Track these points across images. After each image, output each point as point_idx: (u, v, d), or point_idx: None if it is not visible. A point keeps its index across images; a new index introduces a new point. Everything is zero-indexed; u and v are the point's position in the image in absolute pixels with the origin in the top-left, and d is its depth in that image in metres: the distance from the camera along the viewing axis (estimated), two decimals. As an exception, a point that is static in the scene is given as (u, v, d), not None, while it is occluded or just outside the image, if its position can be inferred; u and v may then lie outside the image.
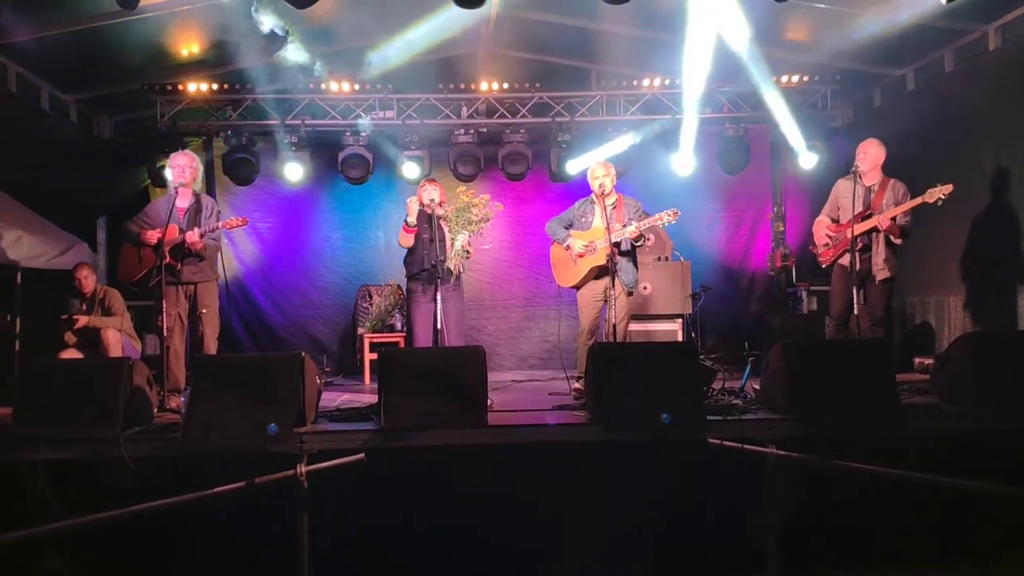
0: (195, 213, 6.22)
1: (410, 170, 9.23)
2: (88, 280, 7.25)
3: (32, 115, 7.93)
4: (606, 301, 6.37)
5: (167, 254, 5.90)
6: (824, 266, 6.71)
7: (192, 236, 5.99)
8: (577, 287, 6.55)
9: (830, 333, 6.82)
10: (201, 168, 6.41)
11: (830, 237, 6.62)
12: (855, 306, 6.24)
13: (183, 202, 6.23)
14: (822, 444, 4.79)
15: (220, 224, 6.09)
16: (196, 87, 8.81)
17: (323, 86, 9.00)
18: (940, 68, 8.36)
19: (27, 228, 7.62)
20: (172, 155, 6.40)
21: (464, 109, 9.42)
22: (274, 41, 7.68)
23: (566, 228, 6.59)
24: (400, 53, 8.17)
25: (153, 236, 5.97)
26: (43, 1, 6.65)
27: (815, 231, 6.78)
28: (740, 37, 7.50)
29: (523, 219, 10.00)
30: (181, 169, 6.19)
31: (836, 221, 6.67)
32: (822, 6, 7.34)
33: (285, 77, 8.65)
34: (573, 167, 9.19)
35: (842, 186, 6.65)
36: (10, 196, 7.95)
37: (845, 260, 6.38)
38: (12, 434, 4.82)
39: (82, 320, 6.95)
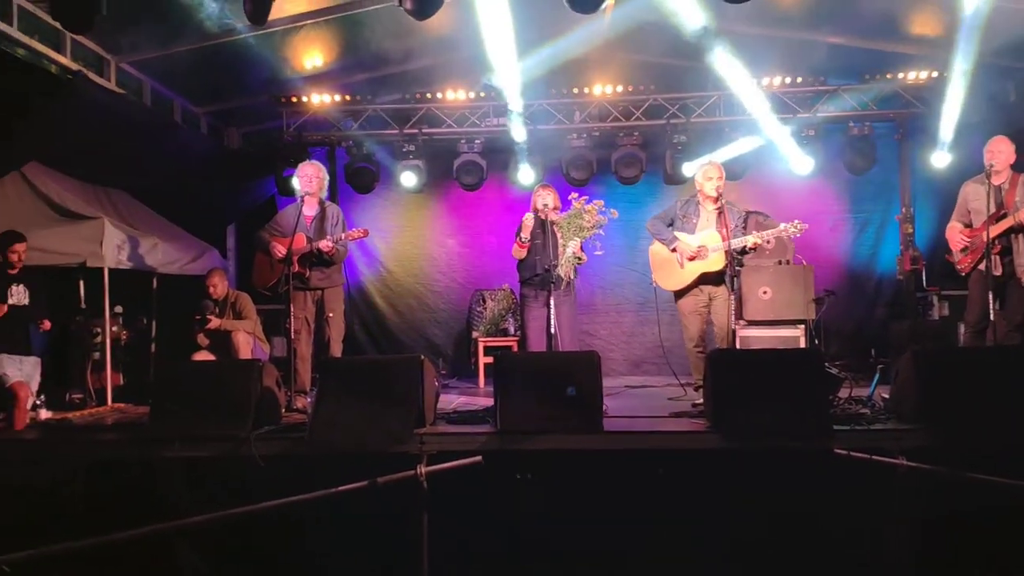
0: (321, 221, 6.43)
1: (524, 175, 9.29)
2: (219, 286, 7.56)
3: (166, 128, 8.33)
4: (709, 308, 6.29)
5: (296, 262, 6.14)
6: (964, 273, 6.38)
7: (326, 243, 6.20)
8: (681, 292, 6.43)
9: (966, 341, 6.49)
10: (327, 177, 6.64)
11: (967, 242, 6.29)
12: (991, 312, 5.92)
13: (310, 210, 6.46)
14: (954, 455, 4.58)
15: (344, 235, 6.29)
16: (319, 99, 9.10)
17: (439, 95, 9.16)
18: (1079, 60, 7.85)
19: (162, 235, 8.00)
20: (300, 165, 6.64)
21: (577, 113, 9.41)
22: None
23: (668, 226, 6.48)
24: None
25: (280, 251, 6.20)
26: (175, 19, 6.98)
27: (949, 238, 6.46)
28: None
29: (636, 223, 9.84)
30: (308, 179, 6.41)
31: (968, 226, 6.36)
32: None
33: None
34: (689, 169, 9.03)
35: (970, 189, 6.36)
36: (146, 205, 8.43)
37: (984, 265, 6.10)
38: (149, 432, 5.08)
39: (214, 322, 7.26)
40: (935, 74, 8.71)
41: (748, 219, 6.56)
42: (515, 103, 8.56)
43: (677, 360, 7.54)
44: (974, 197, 6.28)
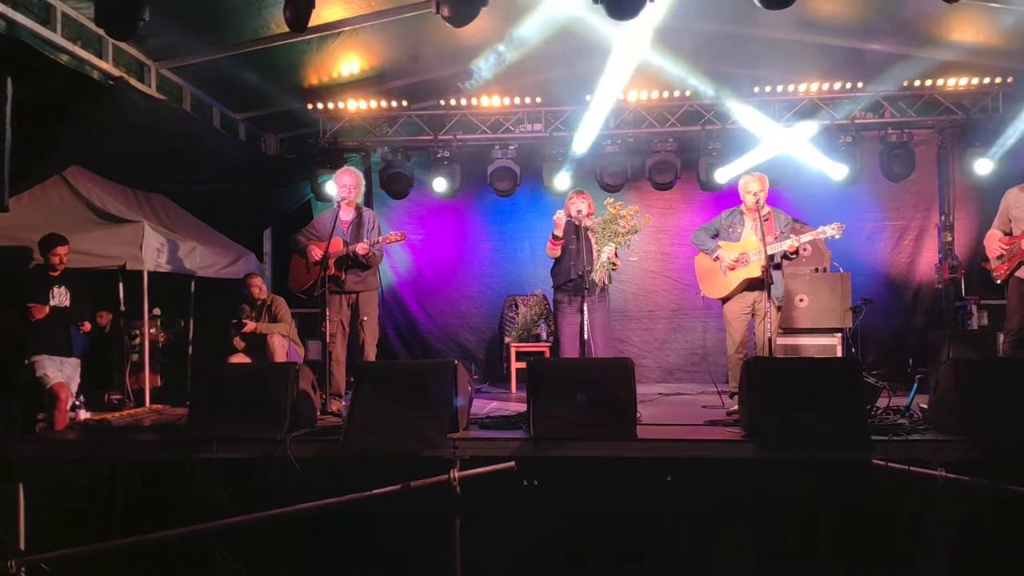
0: (357, 227, 6.48)
1: (559, 181, 9.29)
2: (262, 289, 7.62)
3: (205, 133, 8.44)
4: (753, 314, 6.24)
5: (332, 266, 6.19)
6: (999, 281, 6.30)
7: (363, 247, 6.25)
8: (725, 300, 6.42)
9: (1005, 350, 6.38)
10: (364, 184, 6.68)
11: (1004, 250, 6.21)
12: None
13: (347, 215, 6.51)
14: (995, 467, 4.50)
15: (380, 239, 6.33)
16: (355, 105, 9.16)
17: (474, 101, 9.19)
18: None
19: (200, 239, 8.11)
20: (338, 172, 6.67)
21: (611, 119, 9.38)
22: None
23: (712, 238, 6.47)
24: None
25: (316, 253, 6.25)
26: (214, 26, 7.07)
27: (987, 245, 6.38)
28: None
29: (670, 229, 9.87)
30: (347, 187, 6.45)
31: (1008, 234, 6.28)
32: (996, 5, 6.87)
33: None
34: (723, 175, 8.99)
35: (1012, 196, 6.28)
36: (185, 209, 8.55)
37: (1022, 272, 6.03)
38: (186, 433, 5.13)
39: (250, 325, 7.33)
40: (975, 80, 8.59)
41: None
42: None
43: (713, 368, 7.49)
44: (1015, 204, 6.20)
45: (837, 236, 6.09)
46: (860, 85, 8.86)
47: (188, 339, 8.41)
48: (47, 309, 6.10)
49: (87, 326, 6.40)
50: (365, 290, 6.48)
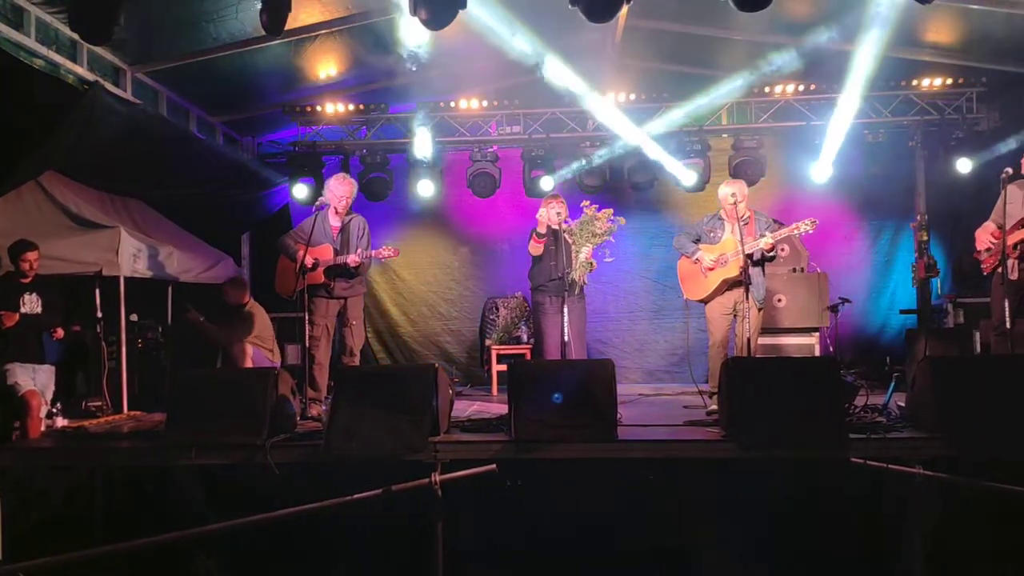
0: (347, 234, 6.47)
1: (538, 183, 9.29)
2: (230, 294, 7.49)
3: (181, 137, 8.35)
4: (735, 314, 6.27)
5: (321, 274, 6.16)
6: (986, 273, 6.35)
7: (355, 259, 6.23)
8: (705, 301, 6.46)
9: (994, 344, 6.41)
10: (356, 191, 6.68)
11: (992, 243, 6.25)
12: (1007, 320, 5.89)
13: (336, 221, 6.49)
14: (972, 465, 4.56)
15: (373, 253, 6.32)
16: (333, 108, 9.12)
17: (452, 104, 9.18)
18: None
19: (177, 244, 8.02)
20: (332, 180, 6.62)
21: (589, 121, 9.40)
22: None
23: (694, 242, 6.51)
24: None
25: (308, 260, 6.19)
26: (191, 30, 7.02)
27: (978, 236, 6.41)
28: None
29: (649, 230, 9.90)
30: (341, 198, 6.43)
31: (1002, 228, 6.32)
32: (976, 7, 6.94)
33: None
34: (694, 177, 9.03)
35: (1011, 191, 6.25)
36: (162, 214, 8.47)
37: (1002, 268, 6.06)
38: (165, 440, 5.10)
39: (193, 314, 7.23)
40: (949, 81, 8.68)
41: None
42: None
43: (694, 368, 7.53)
44: (1012, 200, 6.19)
45: (810, 230, 6.13)
46: (835, 86, 8.91)
47: (166, 345, 8.32)
48: (17, 316, 6.00)
49: (60, 333, 6.31)
50: (353, 295, 6.49)
